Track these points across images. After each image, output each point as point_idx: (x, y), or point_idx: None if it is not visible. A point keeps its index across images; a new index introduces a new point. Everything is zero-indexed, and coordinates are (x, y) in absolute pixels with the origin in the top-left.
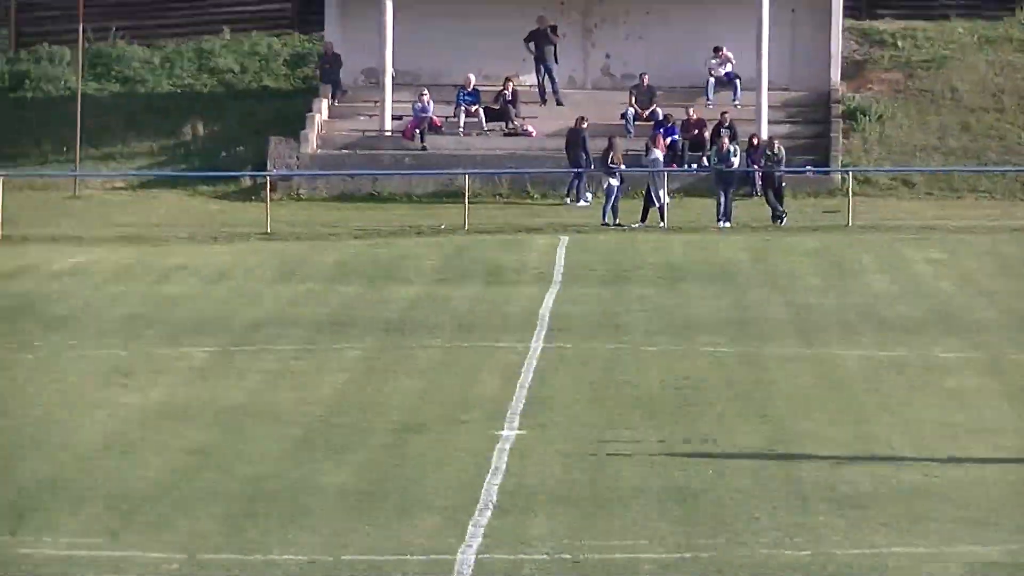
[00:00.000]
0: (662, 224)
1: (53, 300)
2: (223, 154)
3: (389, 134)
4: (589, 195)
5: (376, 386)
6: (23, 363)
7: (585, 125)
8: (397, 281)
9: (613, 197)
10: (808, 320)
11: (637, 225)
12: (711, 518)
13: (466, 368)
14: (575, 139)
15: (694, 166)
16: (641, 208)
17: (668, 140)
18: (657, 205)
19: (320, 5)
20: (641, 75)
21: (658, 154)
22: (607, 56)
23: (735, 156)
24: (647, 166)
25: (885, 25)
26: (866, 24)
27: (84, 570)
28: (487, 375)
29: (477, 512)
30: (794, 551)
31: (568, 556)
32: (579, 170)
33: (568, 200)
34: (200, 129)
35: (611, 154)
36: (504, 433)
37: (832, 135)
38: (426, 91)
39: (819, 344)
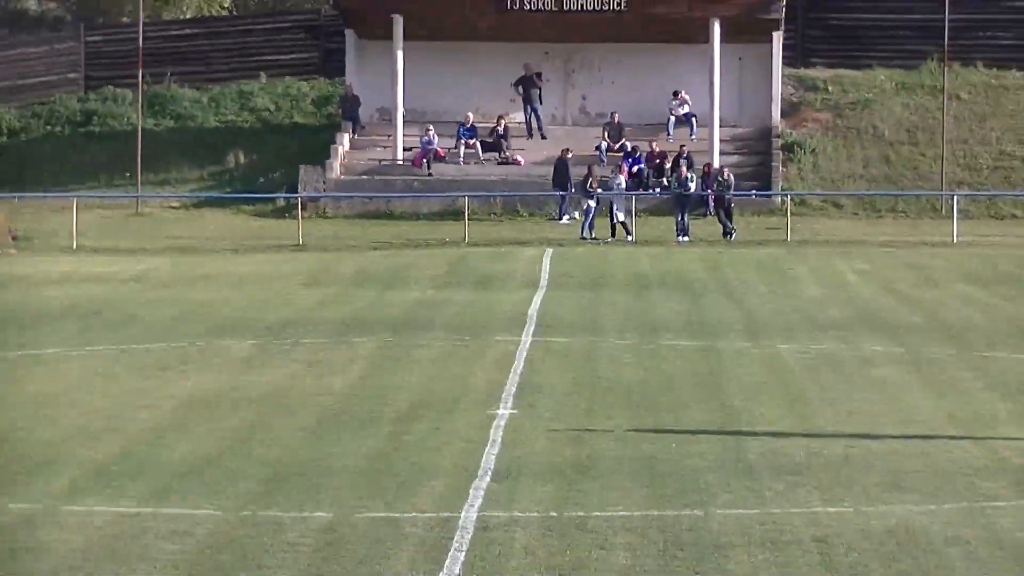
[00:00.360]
0: (630, 239)
1: (119, 302)
2: (261, 179)
3: (400, 163)
4: (570, 214)
5: (389, 373)
6: (95, 355)
7: (570, 155)
8: (407, 286)
9: (591, 216)
10: (754, 320)
11: (609, 240)
12: (674, 484)
13: (466, 358)
14: (562, 167)
15: (657, 190)
16: (609, 226)
17: (635, 169)
18: (618, 221)
19: (341, 54)
20: (612, 113)
21: (621, 180)
22: (584, 97)
23: (692, 182)
24: (612, 189)
25: (817, 72)
26: (802, 71)
27: (147, 526)
28: (484, 364)
29: (478, 478)
30: (743, 510)
31: (555, 514)
32: (563, 193)
33: (565, 219)
34: (241, 158)
35: (589, 180)
36: (500, 412)
37: (773, 164)
38: (432, 127)
39: (764, 340)
